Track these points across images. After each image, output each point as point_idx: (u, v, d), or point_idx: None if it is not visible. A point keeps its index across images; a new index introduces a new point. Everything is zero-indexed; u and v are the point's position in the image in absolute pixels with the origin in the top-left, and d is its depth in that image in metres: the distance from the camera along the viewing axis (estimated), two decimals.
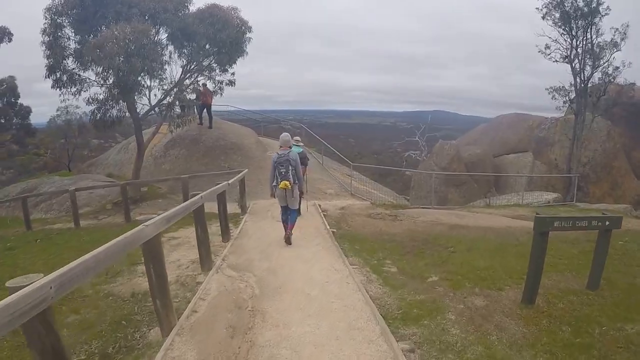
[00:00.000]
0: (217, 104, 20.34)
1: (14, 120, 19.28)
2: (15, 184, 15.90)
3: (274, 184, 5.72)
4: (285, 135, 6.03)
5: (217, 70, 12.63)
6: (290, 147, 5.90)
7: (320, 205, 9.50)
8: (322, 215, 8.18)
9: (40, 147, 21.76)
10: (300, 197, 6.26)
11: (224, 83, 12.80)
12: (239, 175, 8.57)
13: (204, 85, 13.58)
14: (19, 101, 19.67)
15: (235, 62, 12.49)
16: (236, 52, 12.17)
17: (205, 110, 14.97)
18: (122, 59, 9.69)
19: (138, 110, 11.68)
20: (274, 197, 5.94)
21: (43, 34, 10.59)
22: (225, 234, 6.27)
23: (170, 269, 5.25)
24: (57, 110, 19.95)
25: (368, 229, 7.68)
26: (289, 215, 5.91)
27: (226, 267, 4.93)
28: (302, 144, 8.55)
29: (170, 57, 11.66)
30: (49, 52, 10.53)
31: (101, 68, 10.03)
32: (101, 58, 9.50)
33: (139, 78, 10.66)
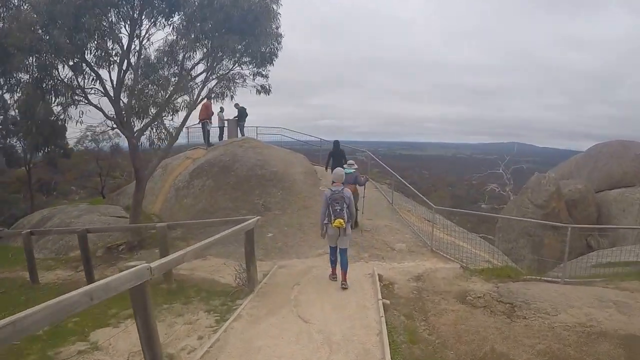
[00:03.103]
0: (266, 125, 17.55)
1: (49, 141, 17.83)
2: (40, 211, 14.60)
3: (326, 222, 5.38)
4: (339, 170, 5.91)
5: (245, 70, 9.64)
6: (344, 184, 5.65)
7: (381, 277, 5.94)
8: (381, 306, 4.62)
9: (72, 169, 20.58)
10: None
11: (232, 83, 9.97)
12: (222, 234, 4.92)
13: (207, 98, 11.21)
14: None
15: (271, 62, 9.40)
16: (254, 34, 8.58)
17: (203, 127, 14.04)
18: (42, 32, 6.89)
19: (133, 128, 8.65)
20: (324, 237, 5.62)
21: None
22: None
23: None
24: (88, 130, 16.80)
25: (467, 346, 4.00)
26: (341, 257, 5.57)
27: None
28: (355, 167, 8.47)
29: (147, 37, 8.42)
30: None
31: (17, 51, 6.80)
32: (14, 31, 6.61)
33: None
